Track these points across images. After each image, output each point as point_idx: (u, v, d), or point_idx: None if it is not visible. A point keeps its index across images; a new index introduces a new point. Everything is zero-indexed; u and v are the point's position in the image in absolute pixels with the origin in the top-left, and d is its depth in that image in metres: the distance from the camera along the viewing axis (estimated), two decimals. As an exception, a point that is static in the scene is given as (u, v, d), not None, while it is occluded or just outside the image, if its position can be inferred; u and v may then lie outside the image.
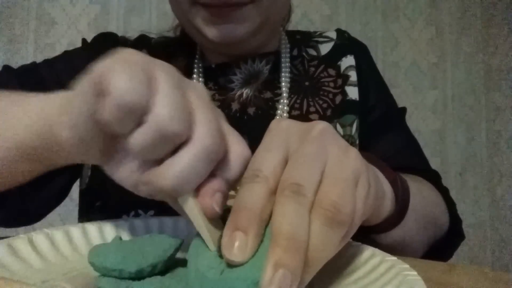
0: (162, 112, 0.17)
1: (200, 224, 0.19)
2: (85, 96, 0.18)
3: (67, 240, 0.23)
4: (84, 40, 0.50)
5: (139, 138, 0.17)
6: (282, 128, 0.21)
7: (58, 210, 0.46)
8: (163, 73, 0.18)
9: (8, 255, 0.20)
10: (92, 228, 0.25)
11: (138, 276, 0.20)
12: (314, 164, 0.18)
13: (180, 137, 0.17)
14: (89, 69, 0.19)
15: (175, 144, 0.18)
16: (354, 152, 0.20)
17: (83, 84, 0.19)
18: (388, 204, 0.27)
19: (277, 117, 0.43)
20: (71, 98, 0.20)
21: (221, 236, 0.18)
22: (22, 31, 1.05)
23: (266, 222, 0.18)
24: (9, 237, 0.21)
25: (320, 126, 0.20)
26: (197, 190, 0.19)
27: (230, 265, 0.17)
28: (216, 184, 0.19)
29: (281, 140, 0.20)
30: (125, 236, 0.25)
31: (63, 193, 0.44)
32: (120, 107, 0.16)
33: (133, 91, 0.16)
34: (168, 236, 0.22)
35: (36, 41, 1.05)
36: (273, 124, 0.22)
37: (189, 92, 0.19)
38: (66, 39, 1.05)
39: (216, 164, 0.19)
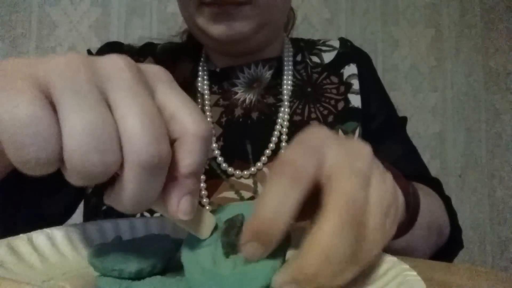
0: (75, 153, 0.13)
1: (179, 224, 0.18)
2: None
3: (67, 240, 0.23)
4: (89, 52, 0.51)
5: (67, 177, 0.14)
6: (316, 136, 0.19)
7: (58, 211, 0.46)
8: (62, 83, 0.14)
9: (8, 255, 0.20)
10: (92, 228, 0.25)
11: (138, 276, 0.20)
12: (361, 184, 0.17)
13: (110, 170, 0.14)
14: None
15: (110, 174, 0.15)
16: (390, 179, 0.20)
17: None
18: (400, 213, 0.27)
19: (279, 120, 0.43)
20: None
21: (219, 227, 0.19)
22: (24, 34, 1.05)
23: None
24: (9, 236, 0.21)
25: (366, 148, 0.19)
26: (163, 197, 0.16)
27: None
28: (178, 190, 0.16)
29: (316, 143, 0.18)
30: (125, 236, 0.25)
31: (76, 202, 0.45)
32: (26, 162, 0.13)
33: (37, 137, 0.13)
34: (168, 236, 0.22)
35: (38, 43, 1.05)
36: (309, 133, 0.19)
37: (105, 85, 0.15)
38: (67, 42, 1.05)
39: (172, 160, 0.16)
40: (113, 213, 0.40)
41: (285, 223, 0.16)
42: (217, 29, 0.39)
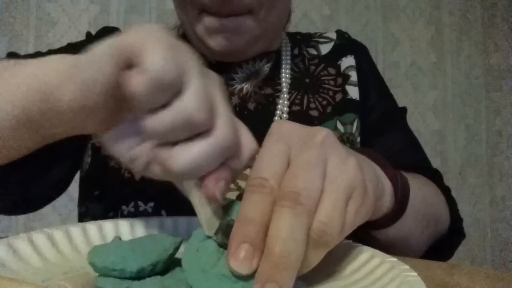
0: (192, 100, 0.17)
1: (198, 207, 0.19)
2: (104, 65, 0.18)
3: (67, 240, 0.23)
4: (88, 33, 0.50)
5: (162, 120, 0.18)
6: (284, 132, 0.21)
7: (58, 210, 0.46)
8: (192, 60, 0.19)
9: (8, 254, 0.20)
10: (92, 228, 0.25)
11: (138, 275, 0.20)
12: (314, 172, 0.19)
13: (202, 127, 0.18)
14: (111, 40, 0.19)
15: (194, 132, 0.18)
16: (353, 162, 0.20)
17: (102, 53, 0.18)
18: (387, 201, 0.27)
19: (278, 112, 0.43)
20: (82, 65, 0.19)
21: (221, 225, 0.19)
22: (22, 31, 1.05)
23: None
24: (9, 236, 0.21)
25: (322, 133, 0.20)
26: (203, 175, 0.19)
27: None
28: (222, 173, 0.19)
29: (284, 144, 0.20)
30: (125, 236, 0.25)
31: (65, 182, 0.45)
32: (156, 83, 0.17)
33: (170, 71, 0.17)
34: (168, 236, 0.22)
35: (37, 41, 1.05)
36: (275, 127, 0.22)
37: (209, 82, 0.20)
38: (66, 39, 1.05)
39: None
40: (104, 199, 0.40)
41: (267, 222, 0.18)
42: (214, 42, 0.39)
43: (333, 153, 0.20)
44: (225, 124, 0.19)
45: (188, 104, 0.18)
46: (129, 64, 0.18)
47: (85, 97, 0.19)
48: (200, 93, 0.18)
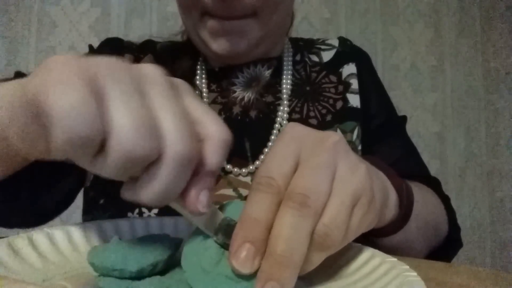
0: (124, 136, 0.15)
1: (190, 219, 0.19)
2: (16, 113, 0.16)
3: (67, 239, 0.23)
4: (90, 47, 0.51)
5: (103, 166, 0.15)
6: (296, 134, 0.21)
7: (59, 210, 0.47)
8: (110, 78, 0.16)
9: (8, 254, 0.20)
10: (92, 228, 0.25)
11: (138, 275, 0.20)
12: (323, 176, 0.19)
13: (149, 158, 0.16)
14: (22, 83, 0.17)
15: (146, 163, 0.16)
16: (362, 170, 0.20)
17: (13, 99, 0.16)
18: (392, 210, 0.27)
19: (278, 119, 0.43)
20: None
21: (221, 225, 0.19)
22: (23, 34, 1.05)
23: None
24: (9, 236, 0.21)
25: (334, 138, 0.20)
26: (182, 192, 0.17)
27: None
28: (198, 185, 0.17)
29: (295, 146, 0.20)
30: (125, 236, 0.25)
31: (71, 196, 0.46)
32: (70, 140, 0.14)
33: (82, 118, 0.14)
34: (168, 236, 0.22)
35: (37, 43, 1.05)
36: (288, 129, 0.21)
37: (144, 86, 0.17)
38: (67, 41, 1.05)
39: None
40: (110, 207, 0.40)
41: (271, 222, 0.18)
42: (218, 45, 0.39)
43: (344, 158, 0.20)
44: (174, 139, 0.16)
45: (120, 142, 0.15)
46: (39, 115, 0.15)
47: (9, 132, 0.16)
48: (129, 120, 0.15)
